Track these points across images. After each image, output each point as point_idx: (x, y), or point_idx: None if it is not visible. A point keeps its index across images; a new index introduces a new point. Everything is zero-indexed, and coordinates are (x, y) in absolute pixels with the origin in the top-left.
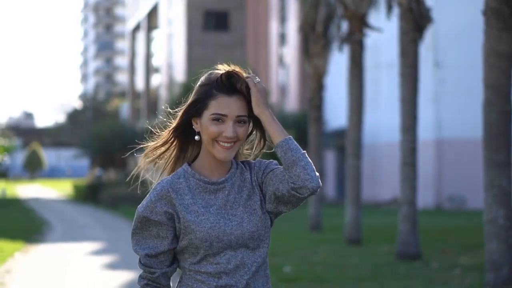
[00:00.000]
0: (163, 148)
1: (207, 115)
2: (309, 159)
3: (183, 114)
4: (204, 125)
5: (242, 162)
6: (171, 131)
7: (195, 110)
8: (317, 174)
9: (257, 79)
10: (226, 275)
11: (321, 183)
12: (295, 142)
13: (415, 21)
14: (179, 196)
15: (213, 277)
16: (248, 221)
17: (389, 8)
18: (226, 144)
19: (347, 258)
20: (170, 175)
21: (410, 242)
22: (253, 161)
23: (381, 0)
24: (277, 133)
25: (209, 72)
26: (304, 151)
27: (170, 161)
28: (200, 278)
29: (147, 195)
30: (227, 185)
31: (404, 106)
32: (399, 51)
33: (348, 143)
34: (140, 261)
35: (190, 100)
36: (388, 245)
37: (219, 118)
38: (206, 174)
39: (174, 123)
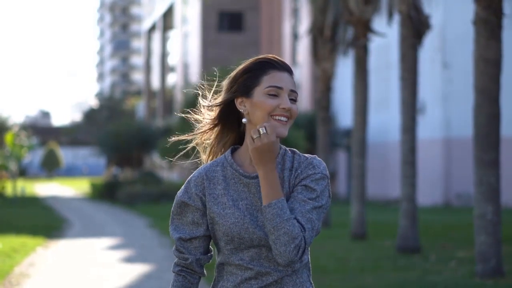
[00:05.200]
0: (206, 132)
1: (260, 90)
2: (288, 228)
3: (231, 84)
4: (258, 101)
5: (294, 152)
6: (219, 105)
7: (245, 86)
8: (295, 244)
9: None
10: (251, 270)
11: (295, 258)
12: (275, 209)
13: (414, 28)
14: (211, 185)
15: (240, 269)
16: None
17: (390, 15)
18: (283, 118)
19: (351, 252)
20: (210, 162)
21: (410, 236)
22: (302, 157)
23: (384, 7)
24: (264, 195)
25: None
26: (288, 217)
27: (212, 147)
28: (231, 270)
29: (186, 181)
30: None
31: (404, 108)
32: (399, 56)
33: (353, 143)
34: (175, 247)
35: (237, 73)
36: (390, 240)
37: (274, 92)
38: (246, 163)
39: (218, 99)
